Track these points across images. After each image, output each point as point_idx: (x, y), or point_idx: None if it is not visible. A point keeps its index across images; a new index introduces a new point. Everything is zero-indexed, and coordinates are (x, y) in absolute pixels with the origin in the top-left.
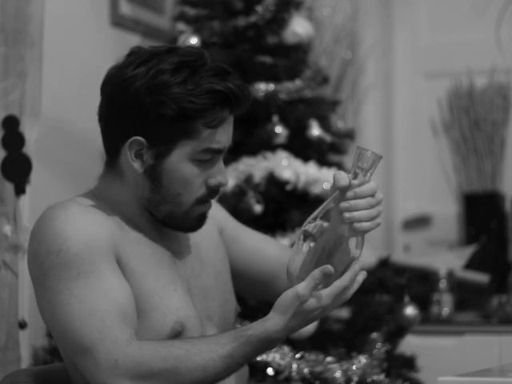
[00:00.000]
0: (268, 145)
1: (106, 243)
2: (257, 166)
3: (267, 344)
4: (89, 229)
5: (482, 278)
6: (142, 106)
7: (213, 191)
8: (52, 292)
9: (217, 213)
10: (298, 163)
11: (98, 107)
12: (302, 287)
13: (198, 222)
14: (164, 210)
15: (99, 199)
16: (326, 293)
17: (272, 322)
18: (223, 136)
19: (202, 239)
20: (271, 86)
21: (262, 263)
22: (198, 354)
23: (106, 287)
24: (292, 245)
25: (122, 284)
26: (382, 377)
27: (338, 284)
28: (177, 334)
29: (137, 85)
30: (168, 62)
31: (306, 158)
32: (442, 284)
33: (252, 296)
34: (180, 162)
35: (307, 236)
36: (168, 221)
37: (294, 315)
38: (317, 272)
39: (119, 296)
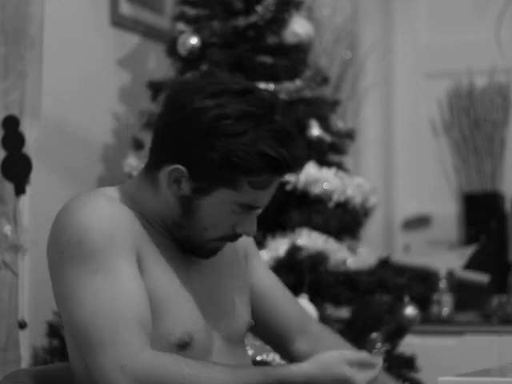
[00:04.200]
0: None
1: (129, 241)
2: None
3: None
4: (114, 224)
5: (481, 278)
6: (195, 142)
7: (236, 236)
8: (69, 283)
9: (245, 239)
10: None
11: (159, 113)
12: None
13: (212, 253)
14: (184, 235)
15: (129, 197)
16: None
17: (301, 367)
18: (265, 197)
19: (224, 253)
20: (271, 86)
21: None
22: (208, 379)
23: (125, 287)
24: None
25: (140, 286)
26: None
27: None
28: (184, 345)
29: (197, 120)
30: (236, 108)
31: None
32: (442, 284)
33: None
34: (216, 204)
35: None
36: (184, 243)
37: (323, 371)
38: (367, 356)
39: (137, 298)
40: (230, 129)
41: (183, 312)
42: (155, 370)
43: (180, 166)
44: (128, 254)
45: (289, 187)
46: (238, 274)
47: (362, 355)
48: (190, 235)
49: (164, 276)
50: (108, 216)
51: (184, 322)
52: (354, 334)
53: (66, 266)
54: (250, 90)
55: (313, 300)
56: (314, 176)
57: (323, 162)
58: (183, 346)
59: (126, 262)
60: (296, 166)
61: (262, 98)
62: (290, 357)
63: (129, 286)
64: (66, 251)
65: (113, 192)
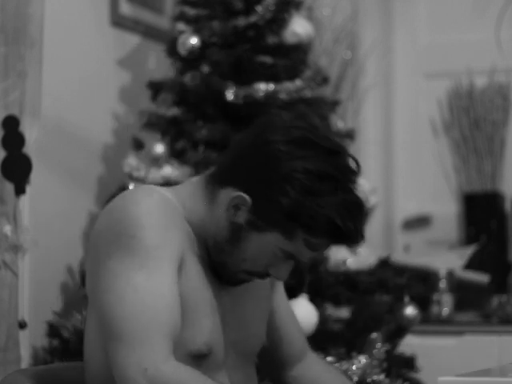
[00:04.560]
0: None
1: (177, 246)
2: None
3: None
4: (168, 225)
5: (481, 278)
6: (271, 182)
7: (267, 276)
8: (111, 273)
9: None
10: None
11: (242, 135)
12: None
13: (239, 282)
14: (221, 258)
15: (181, 201)
16: None
17: None
18: (310, 255)
19: None
20: (271, 86)
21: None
22: None
23: (165, 291)
24: None
25: (177, 294)
26: (382, 377)
27: None
28: (201, 355)
29: (280, 163)
30: (321, 166)
31: None
32: (442, 284)
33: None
34: (264, 243)
35: None
36: (218, 266)
37: None
38: None
39: (173, 305)
40: (309, 185)
41: (208, 324)
42: (173, 382)
43: (246, 196)
44: (174, 259)
45: None
46: (263, 296)
47: None
48: (227, 261)
49: (198, 285)
50: (163, 216)
51: (206, 333)
52: (354, 333)
53: (112, 257)
54: (339, 151)
55: (313, 300)
56: None
57: None
58: (200, 357)
59: (171, 267)
60: (355, 242)
61: (347, 165)
62: (283, 382)
63: (168, 291)
64: (115, 242)
65: (170, 193)
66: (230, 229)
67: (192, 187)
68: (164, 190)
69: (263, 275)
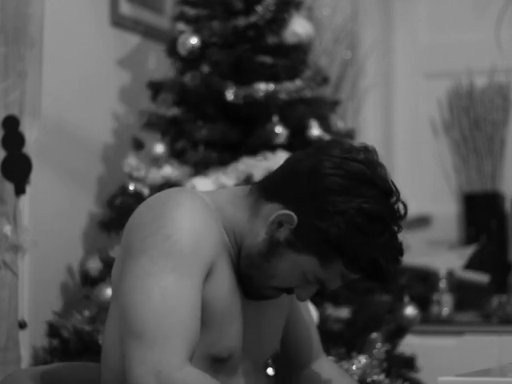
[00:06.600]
0: (268, 145)
1: (209, 254)
2: (257, 166)
3: None
4: (204, 233)
5: (481, 278)
6: (323, 211)
7: (290, 292)
8: (142, 271)
9: None
10: None
11: (295, 156)
12: None
13: (262, 297)
14: (249, 271)
15: (219, 208)
16: None
17: None
18: (337, 284)
19: None
20: (271, 86)
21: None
22: None
23: (191, 297)
24: None
25: (200, 303)
26: (382, 377)
27: None
28: (220, 360)
29: (335, 196)
30: (373, 208)
31: None
32: (442, 284)
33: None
34: (298, 264)
35: None
36: (244, 279)
37: None
38: None
39: (196, 313)
40: (360, 223)
41: (230, 331)
42: None
43: (294, 216)
44: (204, 267)
45: None
46: (283, 303)
47: None
48: (254, 276)
49: (226, 292)
50: (202, 223)
51: (229, 340)
52: (354, 333)
53: (145, 254)
54: (392, 194)
55: (313, 300)
56: None
57: None
58: (219, 360)
59: (199, 275)
60: (388, 281)
61: (397, 208)
62: (296, 381)
63: (193, 298)
64: (150, 239)
65: (207, 198)
66: (267, 243)
67: (232, 195)
68: (204, 195)
69: (288, 291)
